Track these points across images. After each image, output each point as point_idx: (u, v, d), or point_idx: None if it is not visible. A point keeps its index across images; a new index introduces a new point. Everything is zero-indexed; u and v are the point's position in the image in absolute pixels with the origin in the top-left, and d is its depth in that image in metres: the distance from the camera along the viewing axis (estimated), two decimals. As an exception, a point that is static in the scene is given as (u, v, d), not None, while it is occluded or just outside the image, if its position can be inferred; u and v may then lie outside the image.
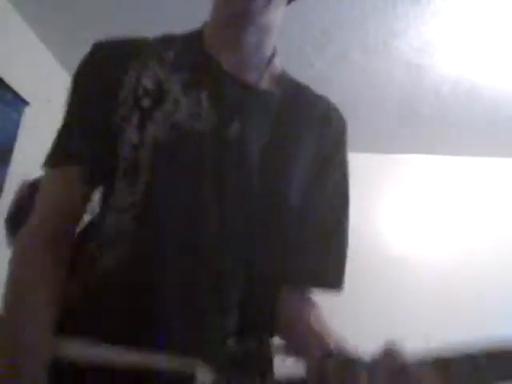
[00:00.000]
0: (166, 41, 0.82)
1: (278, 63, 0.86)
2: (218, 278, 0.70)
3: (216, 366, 0.62)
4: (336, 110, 0.88)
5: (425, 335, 3.24)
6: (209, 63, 0.79)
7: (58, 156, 0.77)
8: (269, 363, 0.75)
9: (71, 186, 0.75)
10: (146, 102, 0.74)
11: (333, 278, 0.81)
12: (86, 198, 0.78)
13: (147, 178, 0.70)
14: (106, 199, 0.74)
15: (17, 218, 0.95)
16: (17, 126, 2.53)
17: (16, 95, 2.49)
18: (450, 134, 3.34)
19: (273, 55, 0.83)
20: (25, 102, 2.55)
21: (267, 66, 0.81)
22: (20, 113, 2.55)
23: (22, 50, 2.59)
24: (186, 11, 2.25)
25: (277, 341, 0.78)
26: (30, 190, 0.90)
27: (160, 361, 0.61)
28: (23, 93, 2.53)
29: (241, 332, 0.71)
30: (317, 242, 0.81)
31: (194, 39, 0.83)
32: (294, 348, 0.75)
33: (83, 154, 0.75)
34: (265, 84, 0.81)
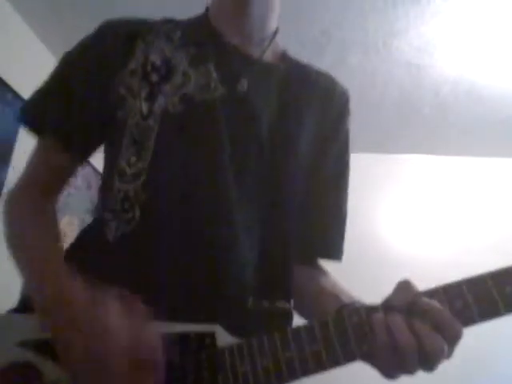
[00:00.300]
0: (174, 22, 0.85)
1: (280, 43, 0.88)
2: (232, 241, 0.70)
3: (236, 328, 0.63)
4: (338, 84, 0.92)
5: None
6: (214, 37, 0.81)
7: (49, 130, 0.78)
8: (288, 325, 0.75)
9: (50, 151, 0.78)
10: (154, 77, 0.75)
11: (338, 249, 0.85)
12: (68, 166, 0.80)
13: (156, 146, 0.71)
14: (112, 166, 0.74)
15: None
16: (17, 126, 2.53)
17: (16, 95, 2.49)
18: (450, 134, 3.34)
19: (275, 32, 0.86)
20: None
21: (270, 42, 0.84)
22: (20, 113, 2.55)
23: (22, 50, 2.59)
24: (185, 13, 2.25)
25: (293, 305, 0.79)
26: None
27: (180, 327, 0.61)
28: (23, 93, 2.52)
29: (260, 294, 0.71)
30: (323, 214, 0.84)
31: (199, 19, 0.85)
32: (309, 309, 0.79)
33: (66, 126, 0.77)
34: (268, 59, 0.84)
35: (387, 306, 0.57)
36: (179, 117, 0.72)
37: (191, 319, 0.62)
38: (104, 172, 0.79)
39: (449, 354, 0.54)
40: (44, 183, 0.78)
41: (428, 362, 0.53)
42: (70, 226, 2.70)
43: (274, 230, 0.75)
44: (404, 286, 0.58)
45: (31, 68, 2.63)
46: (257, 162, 0.75)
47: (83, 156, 0.81)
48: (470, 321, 0.53)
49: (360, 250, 3.46)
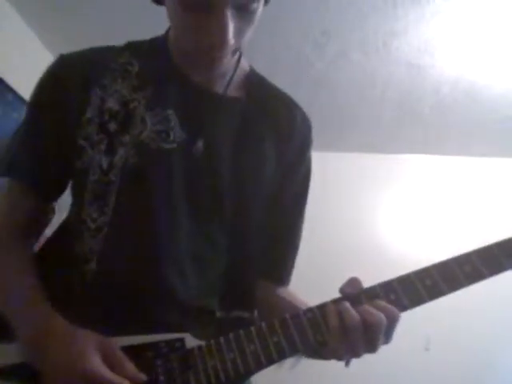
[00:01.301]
0: (132, 49, 0.81)
1: (245, 62, 0.86)
2: (184, 283, 0.74)
3: (205, 335, 0.69)
4: (300, 111, 0.90)
5: (424, 335, 3.24)
6: (175, 75, 0.78)
7: (15, 171, 0.79)
8: None
9: (20, 197, 0.79)
10: (112, 126, 0.74)
11: (285, 275, 0.89)
12: (37, 207, 0.80)
13: (116, 200, 0.72)
14: (76, 219, 0.76)
15: None
16: (17, 126, 2.54)
17: (16, 95, 2.50)
18: (450, 134, 3.35)
19: (239, 59, 0.82)
20: (25, 102, 2.55)
21: (233, 74, 0.81)
22: (20, 113, 2.55)
23: (22, 50, 2.59)
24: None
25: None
26: None
27: (151, 338, 0.67)
28: (23, 93, 2.52)
29: (225, 305, 0.78)
30: (278, 242, 0.87)
31: (159, 48, 0.81)
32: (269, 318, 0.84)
33: (31, 172, 0.78)
34: (232, 89, 0.81)
35: (335, 299, 0.67)
36: (136, 168, 0.73)
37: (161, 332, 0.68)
38: (70, 217, 0.80)
39: (388, 335, 0.64)
40: (16, 226, 0.78)
41: (371, 337, 0.62)
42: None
43: (237, 254, 0.80)
44: (351, 282, 0.68)
45: (31, 68, 2.63)
46: (216, 203, 0.77)
47: (51, 197, 0.82)
48: (402, 308, 0.65)
49: (360, 249, 3.46)
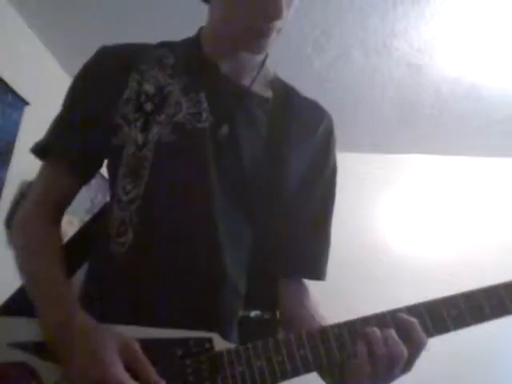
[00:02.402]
0: (167, 46, 0.87)
1: (270, 67, 0.91)
2: (220, 258, 0.75)
3: (229, 336, 0.71)
4: (325, 112, 0.94)
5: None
6: (207, 67, 0.84)
7: (53, 151, 0.84)
8: (275, 332, 0.81)
9: (58, 176, 0.83)
10: (148, 106, 0.79)
11: (323, 270, 0.90)
12: (73, 186, 0.85)
13: (150, 174, 0.76)
14: (112, 194, 0.80)
15: None
16: (17, 126, 2.53)
17: (16, 95, 2.49)
18: (450, 134, 3.34)
19: (265, 59, 0.88)
20: (25, 102, 2.55)
21: (260, 70, 0.86)
22: (20, 113, 2.55)
23: (21, 50, 2.59)
24: (185, 14, 2.25)
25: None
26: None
27: (180, 333, 0.67)
28: (23, 93, 2.52)
29: (249, 305, 0.79)
30: (310, 236, 0.89)
31: (192, 44, 0.87)
32: (290, 326, 0.84)
33: (70, 149, 0.82)
34: (258, 87, 0.86)
35: (364, 318, 0.68)
36: (171, 145, 0.77)
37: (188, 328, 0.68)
38: (109, 196, 0.84)
39: (411, 363, 0.66)
40: (53, 203, 0.83)
41: (392, 365, 0.64)
42: (70, 225, 2.70)
43: (261, 247, 0.80)
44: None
45: (31, 68, 2.64)
46: (243, 188, 0.80)
47: (86, 178, 0.87)
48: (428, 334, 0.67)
49: (360, 249, 3.46)
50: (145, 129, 0.77)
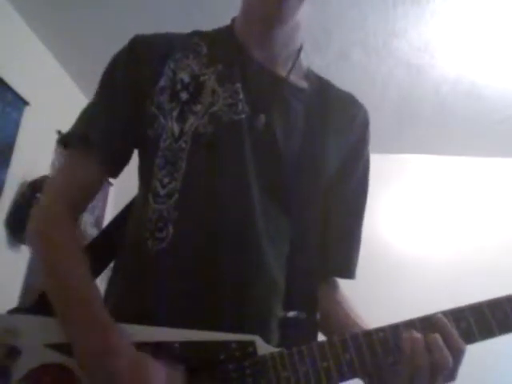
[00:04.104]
0: (200, 35, 0.85)
1: (303, 60, 0.89)
2: (260, 256, 0.73)
3: (268, 337, 0.69)
4: (361, 106, 0.92)
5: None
6: (241, 56, 0.82)
7: (81, 138, 0.79)
8: (315, 335, 0.80)
9: (89, 167, 0.78)
10: (184, 95, 0.77)
11: (355, 268, 0.88)
12: (101, 180, 0.82)
13: (187, 166, 0.74)
14: (146, 186, 0.77)
15: (17, 217, 0.97)
16: (17, 126, 2.53)
17: (16, 95, 2.49)
18: (450, 134, 3.34)
19: (300, 50, 0.87)
20: (25, 102, 2.55)
21: (295, 61, 0.85)
22: (20, 113, 2.55)
23: (22, 50, 2.59)
24: (186, 13, 2.25)
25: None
26: (30, 189, 0.93)
27: (220, 336, 0.65)
28: (23, 93, 2.52)
29: (288, 306, 0.76)
30: (344, 235, 0.87)
31: (225, 34, 0.86)
32: (329, 328, 0.83)
33: (105, 141, 0.78)
34: (294, 77, 0.84)
35: (407, 322, 0.66)
36: (209, 137, 0.74)
37: (224, 329, 0.66)
38: (140, 190, 0.81)
39: (454, 371, 0.64)
40: (75, 200, 0.79)
41: (435, 373, 0.62)
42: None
43: (299, 245, 0.78)
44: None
45: (31, 68, 2.64)
46: (281, 182, 0.77)
47: (114, 171, 0.83)
48: (471, 341, 0.65)
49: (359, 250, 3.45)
50: (181, 119, 0.75)
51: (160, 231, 0.73)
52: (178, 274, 0.71)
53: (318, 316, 0.81)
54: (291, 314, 0.76)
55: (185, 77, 0.78)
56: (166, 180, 0.74)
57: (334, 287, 0.88)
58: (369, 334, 0.65)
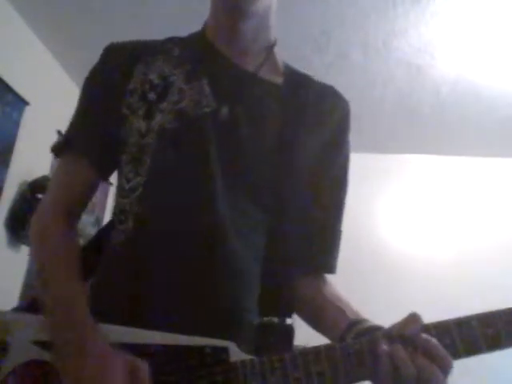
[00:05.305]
0: (173, 41, 0.87)
1: (280, 55, 0.89)
2: (227, 255, 0.73)
3: (243, 342, 0.67)
4: (340, 97, 0.92)
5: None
6: (210, 54, 0.83)
7: (68, 144, 0.83)
8: (290, 338, 0.78)
9: (79, 171, 0.81)
10: (152, 95, 0.79)
11: (335, 264, 0.87)
12: (93, 182, 0.84)
13: (151, 161, 0.75)
14: (118, 183, 0.80)
15: (17, 218, 0.98)
16: (17, 126, 2.54)
17: (16, 95, 2.50)
18: (450, 134, 3.34)
19: (272, 46, 0.87)
20: (25, 102, 2.56)
21: (267, 55, 0.85)
22: (20, 113, 2.55)
23: (22, 50, 2.59)
24: (183, 10, 2.25)
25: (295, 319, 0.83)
26: (30, 189, 0.93)
27: (195, 341, 0.64)
28: (23, 93, 2.53)
29: (263, 310, 0.75)
30: (324, 230, 0.86)
31: (197, 35, 0.88)
32: (316, 323, 0.82)
33: (89, 143, 0.81)
34: (267, 74, 0.85)
35: (391, 335, 0.63)
36: (174, 132, 0.76)
37: (192, 332, 0.65)
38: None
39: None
40: (72, 202, 0.82)
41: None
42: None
43: (273, 243, 0.77)
44: (411, 319, 0.64)
45: (31, 68, 2.64)
46: (250, 175, 0.77)
47: (105, 172, 0.85)
48: (455, 356, 0.61)
49: (360, 249, 3.46)
50: (147, 116, 0.77)
51: (121, 223, 0.75)
52: (133, 267, 0.72)
53: (310, 315, 0.81)
54: (266, 319, 0.74)
55: (154, 78, 0.80)
56: (130, 175, 0.76)
57: (321, 282, 0.86)
58: (345, 346, 0.63)
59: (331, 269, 0.86)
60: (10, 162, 2.48)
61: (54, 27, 2.61)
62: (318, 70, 2.76)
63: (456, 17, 2.28)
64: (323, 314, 0.81)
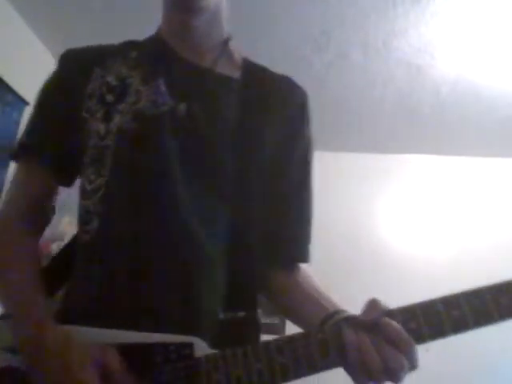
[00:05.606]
0: (131, 44, 0.88)
1: (237, 50, 0.91)
2: (192, 251, 0.73)
3: (209, 337, 0.68)
4: (297, 87, 0.92)
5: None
6: (166, 54, 0.85)
7: (23, 149, 0.85)
8: (257, 332, 0.79)
9: (34, 175, 0.82)
10: (109, 98, 0.80)
11: (308, 253, 0.87)
12: (50, 186, 0.84)
13: (112, 162, 0.76)
14: (80, 184, 0.81)
15: None
16: (17, 126, 2.53)
17: (16, 95, 2.49)
18: (449, 134, 3.34)
19: (227, 41, 0.88)
20: (25, 102, 2.55)
21: (222, 51, 0.87)
22: (20, 113, 2.55)
23: (22, 50, 2.59)
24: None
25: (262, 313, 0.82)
26: None
27: (161, 338, 0.65)
28: (23, 93, 2.52)
29: (229, 305, 0.75)
30: (292, 219, 0.86)
31: (153, 37, 0.89)
32: (294, 316, 0.83)
33: (43, 147, 0.82)
34: (224, 68, 0.86)
35: (355, 323, 0.63)
36: (132, 132, 0.77)
37: (164, 330, 0.66)
38: None
39: (411, 367, 0.61)
40: (25, 209, 0.82)
41: (392, 375, 0.60)
42: (70, 225, 2.70)
43: (238, 236, 0.77)
44: (371, 305, 0.64)
45: (31, 68, 2.63)
46: (209, 168, 0.78)
47: (66, 178, 0.85)
48: (420, 340, 0.61)
49: (360, 249, 3.46)
50: (106, 119, 0.78)
51: (87, 224, 0.76)
52: (97, 266, 0.73)
53: (287, 309, 0.82)
54: (232, 313, 0.75)
55: (112, 80, 0.81)
56: (92, 177, 0.77)
57: (296, 274, 0.85)
58: (307, 335, 0.63)
59: (303, 258, 0.86)
60: (9, 162, 2.48)
61: (54, 27, 2.61)
62: (318, 70, 2.76)
63: (456, 17, 2.28)
64: (300, 307, 0.81)
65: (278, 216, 0.84)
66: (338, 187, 3.56)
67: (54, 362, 0.61)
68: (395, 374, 0.60)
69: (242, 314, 0.76)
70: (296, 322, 0.82)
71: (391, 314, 0.62)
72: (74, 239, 0.82)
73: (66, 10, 2.47)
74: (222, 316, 0.74)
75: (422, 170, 3.64)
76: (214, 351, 0.65)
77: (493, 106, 2.95)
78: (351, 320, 0.65)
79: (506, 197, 3.47)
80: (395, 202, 3.61)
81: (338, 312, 0.72)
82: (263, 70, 0.92)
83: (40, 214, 0.84)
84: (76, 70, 0.84)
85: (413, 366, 0.61)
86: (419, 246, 3.43)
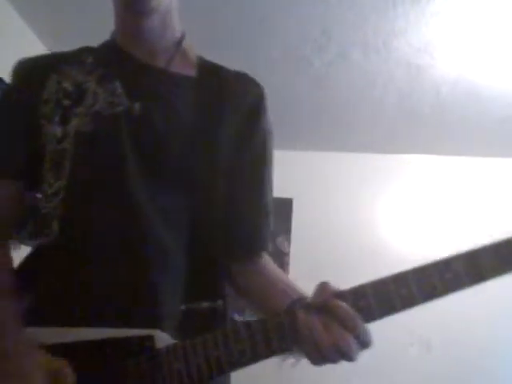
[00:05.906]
0: (86, 50, 0.89)
1: (192, 49, 0.92)
2: (152, 249, 0.75)
3: (171, 328, 0.70)
4: (253, 83, 0.93)
5: (425, 336, 3.24)
6: (121, 56, 0.86)
7: None
8: (224, 322, 0.81)
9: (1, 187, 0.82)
10: (66, 102, 0.81)
11: (264, 244, 0.88)
12: (18, 194, 0.84)
13: (71, 165, 0.77)
14: (41, 189, 0.81)
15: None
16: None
17: (16, 95, 2.49)
18: (450, 134, 3.35)
19: (181, 40, 0.89)
20: (25, 102, 2.56)
21: (176, 50, 0.88)
22: (20, 113, 2.55)
23: (22, 50, 2.59)
24: (183, 10, 2.25)
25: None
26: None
27: (121, 333, 0.66)
28: (23, 93, 2.52)
29: (192, 296, 0.77)
30: (247, 210, 0.88)
31: (109, 42, 0.90)
32: (260, 306, 0.85)
33: (6, 161, 0.83)
34: (178, 67, 0.87)
35: (306, 305, 0.65)
36: (90, 134, 0.78)
37: (126, 325, 0.68)
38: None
39: (362, 346, 0.63)
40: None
41: (344, 354, 0.62)
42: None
43: (198, 231, 0.80)
44: (321, 288, 0.66)
45: (31, 68, 2.64)
46: (166, 165, 0.80)
47: (31, 180, 0.84)
48: (371, 317, 0.63)
49: (359, 249, 3.46)
50: (63, 122, 0.79)
51: (47, 227, 0.76)
52: (60, 267, 0.75)
53: (253, 301, 0.83)
54: (194, 304, 0.77)
55: (68, 86, 0.82)
56: (52, 180, 0.78)
57: (259, 264, 0.87)
58: (263, 321, 0.65)
59: (262, 246, 0.88)
60: None
61: (54, 27, 2.61)
62: (318, 69, 2.76)
63: (456, 17, 2.28)
64: (266, 297, 0.83)
65: (235, 208, 0.86)
66: (337, 187, 3.56)
67: (12, 370, 0.63)
68: (346, 352, 0.61)
69: (205, 304, 0.78)
70: (262, 311, 0.83)
71: (341, 295, 0.64)
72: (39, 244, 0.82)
73: (65, 9, 2.47)
74: (183, 307, 0.76)
75: (422, 170, 3.64)
76: (175, 342, 0.67)
77: (493, 106, 2.96)
78: (303, 302, 0.67)
79: (505, 197, 3.47)
80: (395, 201, 3.61)
81: (303, 298, 0.73)
82: (218, 68, 0.93)
83: (9, 219, 0.84)
84: (30, 79, 0.84)
85: (363, 344, 0.63)
86: (419, 246, 3.43)
